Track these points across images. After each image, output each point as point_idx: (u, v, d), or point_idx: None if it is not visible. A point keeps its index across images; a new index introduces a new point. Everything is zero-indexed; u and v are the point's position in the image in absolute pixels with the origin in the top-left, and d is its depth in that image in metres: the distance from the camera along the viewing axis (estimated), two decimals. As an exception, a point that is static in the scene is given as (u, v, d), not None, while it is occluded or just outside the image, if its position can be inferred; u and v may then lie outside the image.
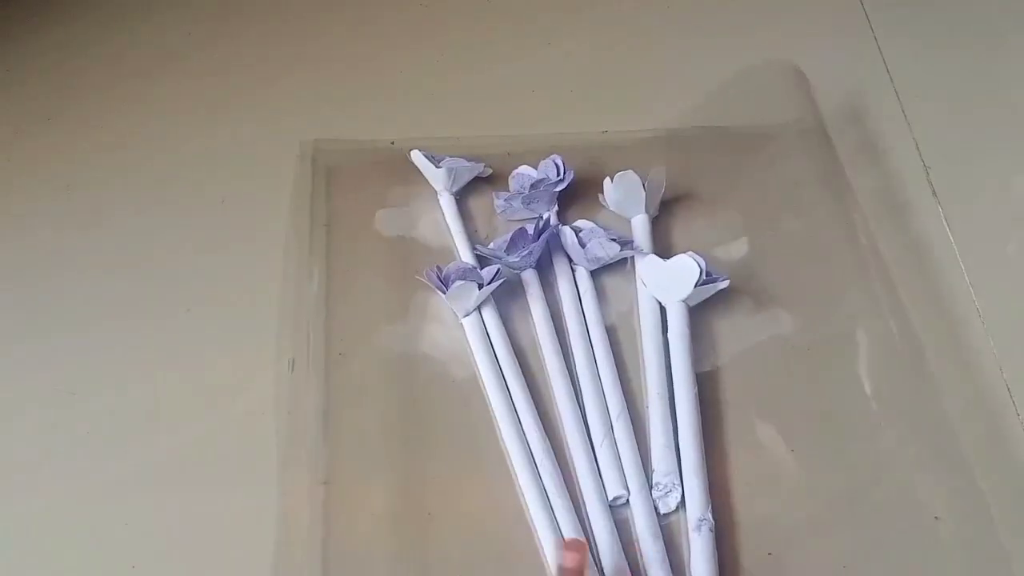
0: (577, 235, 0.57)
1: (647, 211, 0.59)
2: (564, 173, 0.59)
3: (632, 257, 0.57)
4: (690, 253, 0.54)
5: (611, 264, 0.57)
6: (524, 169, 0.61)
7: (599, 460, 0.50)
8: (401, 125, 0.64)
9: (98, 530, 0.49)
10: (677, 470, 0.49)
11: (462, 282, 0.53)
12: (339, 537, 0.47)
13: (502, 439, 0.50)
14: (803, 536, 0.47)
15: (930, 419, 0.51)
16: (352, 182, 0.61)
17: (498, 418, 0.51)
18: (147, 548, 0.48)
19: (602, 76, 0.69)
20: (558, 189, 0.59)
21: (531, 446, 0.50)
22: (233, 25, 0.73)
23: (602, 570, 0.46)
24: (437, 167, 0.59)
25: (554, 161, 0.60)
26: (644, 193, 0.58)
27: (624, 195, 0.59)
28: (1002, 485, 0.49)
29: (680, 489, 0.48)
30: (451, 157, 0.60)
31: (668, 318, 0.54)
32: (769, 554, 0.47)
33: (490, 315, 0.54)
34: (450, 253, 0.58)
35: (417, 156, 0.60)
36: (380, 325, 0.55)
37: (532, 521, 0.47)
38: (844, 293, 0.56)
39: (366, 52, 0.71)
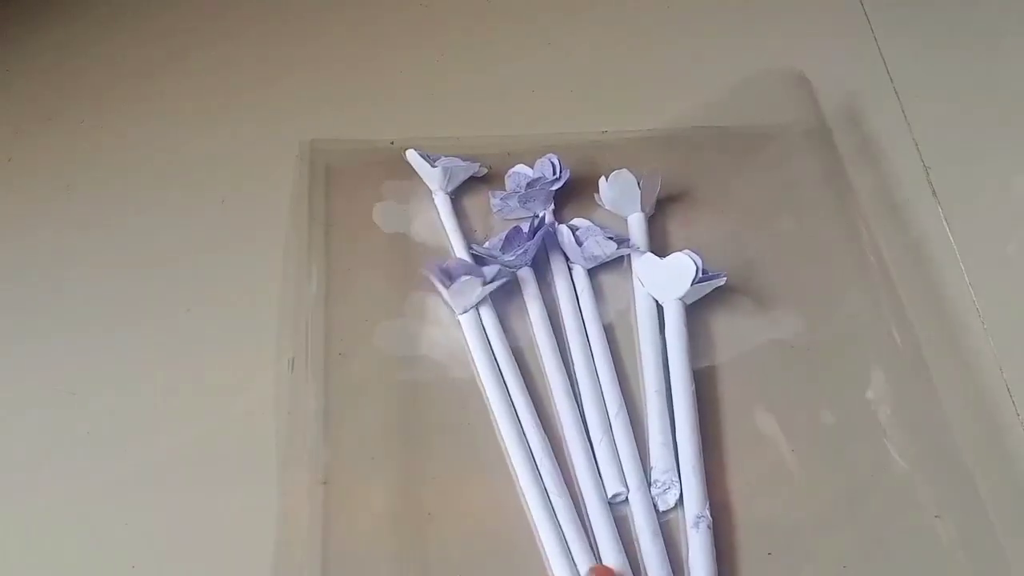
0: (574, 233, 0.57)
1: (643, 210, 0.59)
2: (560, 172, 0.60)
3: (629, 255, 0.57)
4: (686, 251, 0.54)
5: (608, 263, 0.57)
6: (520, 168, 0.61)
7: (598, 458, 0.50)
8: (401, 125, 0.64)
9: (98, 530, 0.49)
10: (675, 467, 0.49)
11: (467, 277, 0.53)
12: (339, 537, 0.47)
13: (501, 438, 0.50)
14: (803, 536, 0.47)
15: (930, 419, 0.51)
16: (352, 182, 0.61)
17: (497, 417, 0.51)
18: (147, 548, 0.48)
19: (602, 76, 0.69)
20: (554, 188, 0.59)
21: (530, 444, 0.50)
22: (233, 25, 0.73)
23: None
24: (432, 166, 0.59)
25: (550, 160, 0.60)
26: (639, 192, 0.58)
27: (619, 194, 0.59)
28: (1002, 485, 0.49)
29: (679, 486, 0.48)
30: (447, 156, 0.60)
31: (665, 316, 0.54)
32: (769, 554, 0.47)
33: (487, 313, 0.54)
34: (447, 252, 0.58)
35: (412, 155, 0.60)
36: (380, 324, 0.55)
37: (532, 520, 0.47)
38: (844, 293, 0.56)
39: (366, 52, 0.71)
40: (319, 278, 0.56)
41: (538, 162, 0.60)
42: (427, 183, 0.60)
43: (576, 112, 0.66)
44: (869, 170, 0.62)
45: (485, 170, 0.61)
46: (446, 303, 0.55)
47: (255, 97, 0.67)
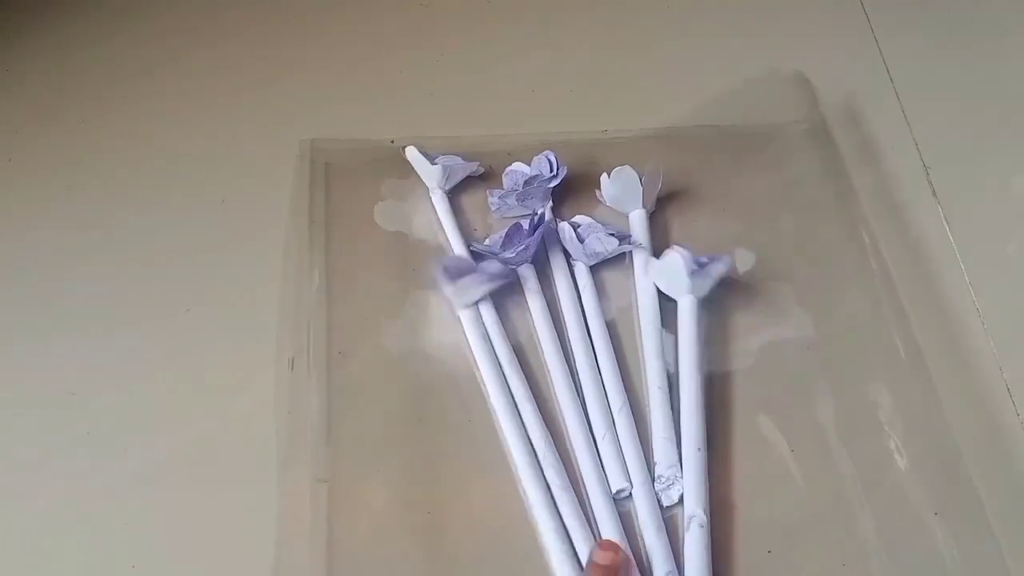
0: (575, 230, 0.57)
1: (644, 206, 0.59)
2: (557, 169, 0.60)
3: (631, 252, 0.57)
4: (674, 247, 0.54)
5: (610, 259, 0.57)
6: (517, 166, 0.61)
7: (601, 454, 0.50)
8: (401, 124, 0.64)
9: (98, 530, 0.49)
10: (679, 463, 0.49)
11: (469, 276, 0.53)
12: (339, 536, 0.47)
13: (503, 436, 0.50)
14: (803, 534, 0.47)
15: (930, 418, 0.51)
16: (352, 181, 0.61)
17: (499, 414, 0.51)
18: (147, 548, 0.48)
19: (602, 76, 0.69)
20: (551, 185, 0.59)
21: (532, 441, 0.50)
22: (233, 25, 0.73)
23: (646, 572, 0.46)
24: (432, 164, 0.59)
25: (547, 157, 0.60)
26: (641, 188, 0.58)
27: (621, 191, 0.59)
28: (1001, 485, 0.49)
29: (682, 482, 0.48)
30: (445, 155, 0.60)
31: (678, 312, 0.54)
32: (769, 552, 0.47)
33: (486, 310, 0.55)
34: (445, 250, 0.58)
35: (412, 152, 0.60)
36: (380, 323, 0.55)
37: (534, 516, 0.47)
38: (844, 293, 0.56)
39: (366, 52, 0.71)
40: (319, 277, 0.56)
41: (535, 159, 0.60)
42: (425, 181, 0.60)
43: (576, 112, 0.66)
44: (869, 170, 0.62)
45: (482, 169, 0.61)
46: (447, 300, 0.55)
47: (255, 97, 0.67)
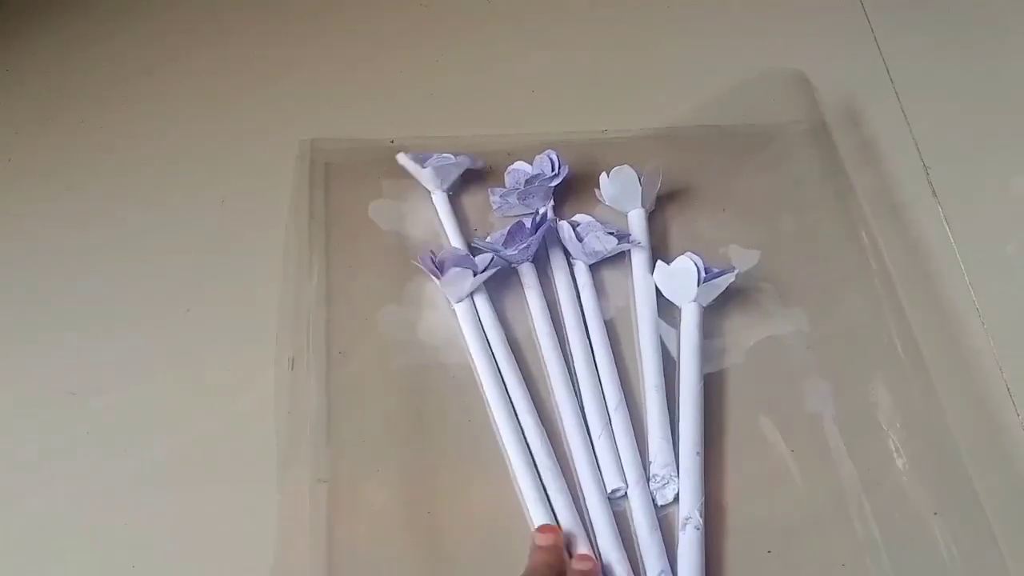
0: (574, 229, 0.57)
1: (643, 206, 0.59)
2: (559, 168, 0.60)
3: (630, 251, 0.57)
4: (687, 253, 0.54)
5: (609, 258, 0.57)
6: (519, 165, 0.61)
7: (597, 452, 0.50)
8: (401, 124, 0.64)
9: (98, 530, 0.49)
10: (674, 462, 0.49)
11: (458, 269, 0.53)
12: (339, 536, 0.47)
13: (501, 436, 0.50)
14: (802, 534, 0.47)
15: (929, 418, 0.51)
16: (352, 181, 0.61)
17: (495, 412, 0.51)
18: (147, 548, 0.48)
19: (602, 76, 0.69)
20: (553, 184, 0.59)
21: (528, 440, 0.50)
22: (233, 25, 0.73)
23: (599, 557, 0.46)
24: (423, 168, 0.59)
25: (549, 156, 0.60)
26: (640, 188, 0.58)
27: (620, 190, 0.59)
28: (1001, 485, 0.49)
29: (677, 481, 0.48)
30: (438, 155, 0.60)
31: (681, 318, 0.54)
32: (769, 552, 0.47)
33: (483, 304, 0.55)
34: (445, 239, 0.58)
35: (403, 159, 0.60)
36: (380, 323, 0.55)
37: (531, 516, 0.48)
38: (844, 293, 0.56)
39: (366, 52, 0.71)
40: (319, 277, 0.56)
41: (537, 158, 0.60)
42: (424, 184, 0.60)
43: (576, 112, 0.66)
44: (869, 170, 0.62)
45: (481, 162, 0.61)
46: (441, 291, 0.55)
47: (255, 97, 0.67)
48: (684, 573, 0.45)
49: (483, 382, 0.52)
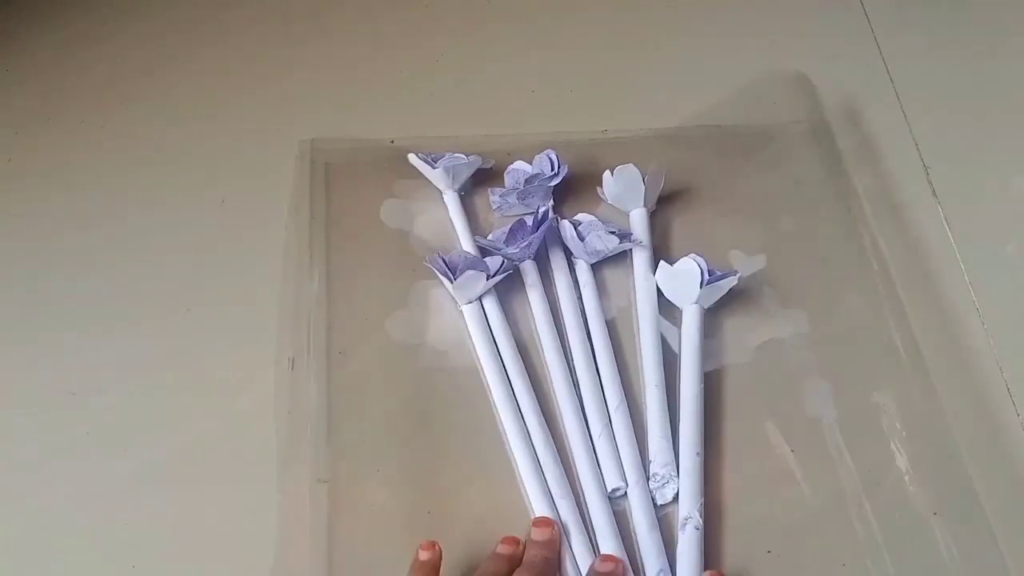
0: (576, 228, 0.57)
1: (645, 205, 0.59)
2: (558, 167, 0.60)
3: (631, 250, 0.57)
4: (691, 255, 0.54)
5: (611, 257, 0.57)
6: (519, 164, 0.61)
7: (597, 452, 0.50)
8: (401, 124, 0.64)
9: (98, 530, 0.49)
10: (674, 461, 0.49)
11: (472, 271, 0.53)
12: (339, 536, 0.47)
13: (504, 434, 0.50)
14: (802, 534, 0.47)
15: (929, 418, 0.51)
16: (352, 181, 0.61)
17: (499, 412, 0.51)
18: (147, 548, 0.48)
19: (602, 76, 0.69)
20: (552, 183, 0.59)
21: (532, 440, 0.50)
22: (233, 25, 0.73)
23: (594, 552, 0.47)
24: (434, 168, 0.59)
25: (548, 156, 0.60)
26: (643, 187, 0.58)
27: (623, 189, 0.59)
28: (1001, 485, 0.49)
29: (677, 480, 0.48)
30: (450, 155, 0.60)
31: (682, 321, 0.54)
32: (769, 552, 0.47)
33: (491, 305, 0.55)
34: (453, 248, 0.58)
35: (414, 159, 0.60)
36: (381, 322, 0.55)
37: (533, 515, 0.48)
38: (844, 293, 0.56)
39: (366, 52, 0.71)
40: (319, 276, 0.56)
41: (536, 158, 0.60)
42: (435, 184, 0.60)
43: (576, 112, 0.66)
44: (869, 170, 0.62)
45: (492, 162, 0.61)
46: (450, 294, 0.55)
47: (255, 97, 0.67)
48: (683, 573, 0.45)
49: (489, 383, 0.52)
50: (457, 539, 0.47)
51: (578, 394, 0.52)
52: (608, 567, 0.45)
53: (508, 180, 0.61)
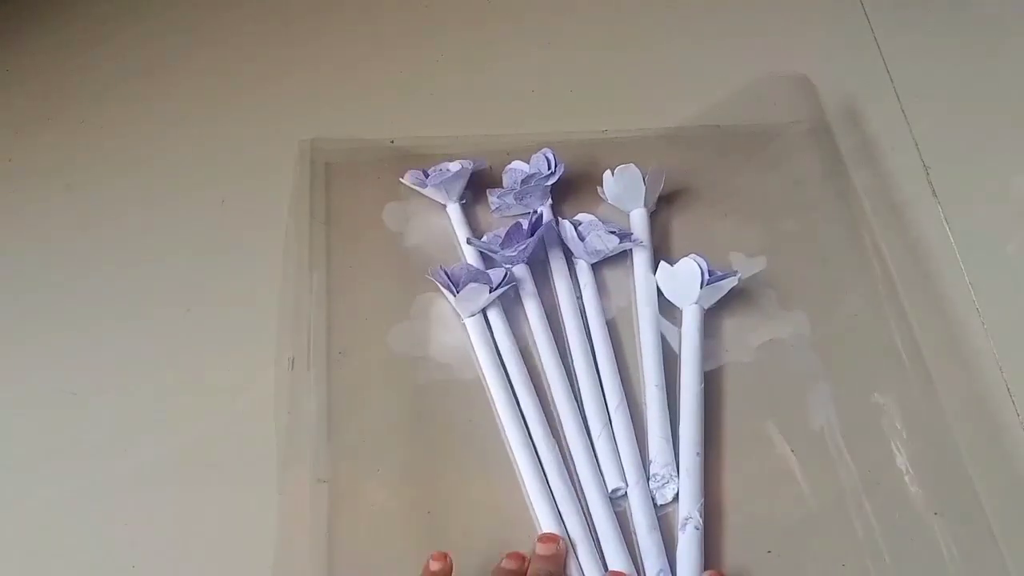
0: (576, 228, 0.57)
1: (645, 205, 0.59)
2: (555, 166, 0.59)
3: (632, 250, 0.57)
4: (692, 255, 0.54)
5: (611, 257, 0.57)
6: (516, 164, 0.61)
7: (597, 452, 0.50)
8: (401, 124, 0.64)
9: (98, 530, 0.49)
10: (674, 461, 0.49)
11: (475, 284, 0.53)
12: (339, 536, 0.47)
13: (504, 435, 0.50)
14: (802, 534, 0.47)
15: (930, 418, 0.51)
16: (352, 181, 0.61)
17: (501, 416, 0.51)
18: (147, 548, 0.48)
19: (602, 76, 0.69)
20: (549, 183, 0.59)
21: (533, 441, 0.50)
22: (233, 25, 0.73)
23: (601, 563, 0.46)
24: (426, 186, 0.59)
25: (545, 155, 0.60)
26: (643, 187, 0.58)
27: (624, 188, 0.59)
28: (1001, 485, 0.49)
29: (677, 480, 0.48)
30: (436, 170, 0.59)
31: (683, 321, 0.54)
32: (769, 551, 0.47)
33: (495, 315, 0.54)
34: (452, 249, 0.58)
35: (408, 179, 0.60)
36: (381, 323, 0.55)
37: (535, 516, 0.48)
38: (844, 293, 0.56)
39: (366, 52, 0.71)
40: (319, 276, 0.56)
41: (533, 157, 0.60)
42: (435, 200, 0.60)
43: (576, 112, 0.66)
44: (869, 170, 0.62)
45: (482, 162, 0.60)
46: (452, 307, 0.55)
47: (255, 97, 0.67)
48: (683, 573, 0.45)
49: (489, 385, 0.52)
50: (457, 539, 0.47)
51: (578, 394, 0.52)
52: (550, 549, 0.45)
53: (506, 180, 0.61)
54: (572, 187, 0.61)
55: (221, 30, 0.72)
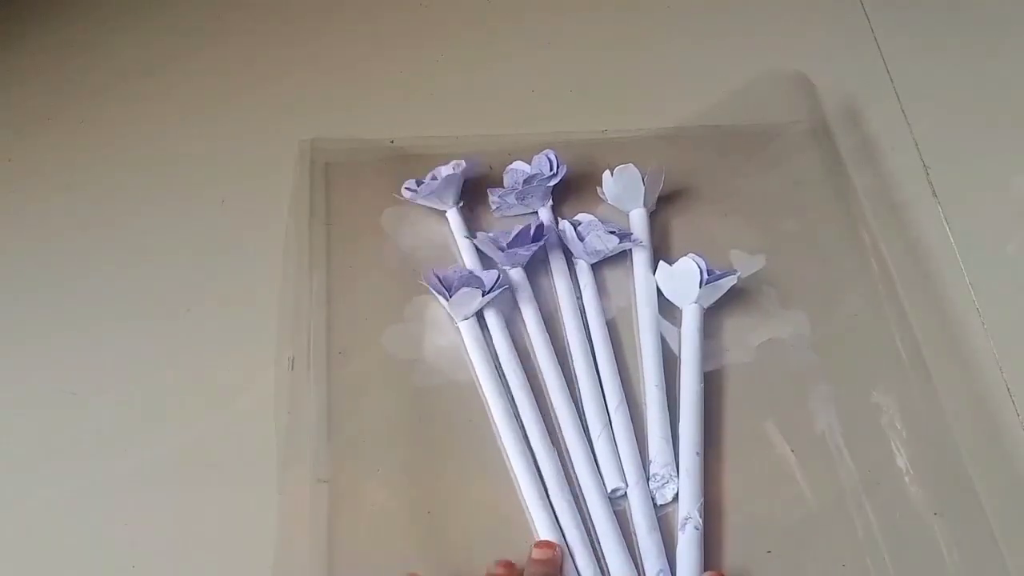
0: (576, 228, 0.57)
1: (645, 205, 0.59)
2: (557, 168, 0.59)
3: (631, 250, 0.57)
4: (690, 255, 0.54)
5: (611, 257, 0.57)
6: (518, 164, 0.61)
7: (597, 453, 0.50)
8: (401, 124, 0.64)
9: (98, 530, 0.49)
10: (674, 461, 0.49)
11: (467, 289, 0.53)
12: (339, 536, 0.47)
13: (501, 436, 0.50)
14: (802, 534, 0.47)
15: (929, 418, 0.51)
16: (352, 181, 0.61)
17: (497, 419, 0.51)
18: (147, 548, 0.48)
19: (602, 76, 0.69)
20: (551, 184, 0.59)
21: (530, 442, 0.50)
22: (233, 25, 0.73)
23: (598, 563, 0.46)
24: (419, 195, 0.58)
25: (547, 156, 0.60)
26: (643, 187, 0.58)
27: (623, 189, 0.59)
28: (1001, 485, 0.49)
29: (677, 480, 0.48)
30: (428, 179, 0.59)
31: (682, 320, 0.54)
32: (768, 552, 0.47)
33: (492, 317, 0.54)
34: (450, 253, 0.58)
35: (404, 193, 0.59)
36: (380, 323, 0.55)
37: (531, 517, 0.48)
38: (844, 293, 0.56)
39: (366, 52, 0.71)
40: (319, 277, 0.56)
41: (535, 158, 0.60)
42: (435, 208, 0.60)
43: (576, 112, 0.66)
44: (869, 170, 0.62)
45: (476, 163, 0.60)
46: (446, 310, 0.55)
47: (255, 97, 0.67)
48: (683, 573, 0.45)
49: (485, 392, 0.52)
50: (457, 540, 0.47)
51: (578, 395, 0.52)
52: (545, 554, 0.45)
53: (507, 180, 0.61)
54: (572, 187, 0.61)
55: (221, 30, 0.72)
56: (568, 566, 0.46)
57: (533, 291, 0.56)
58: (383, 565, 0.46)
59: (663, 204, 0.60)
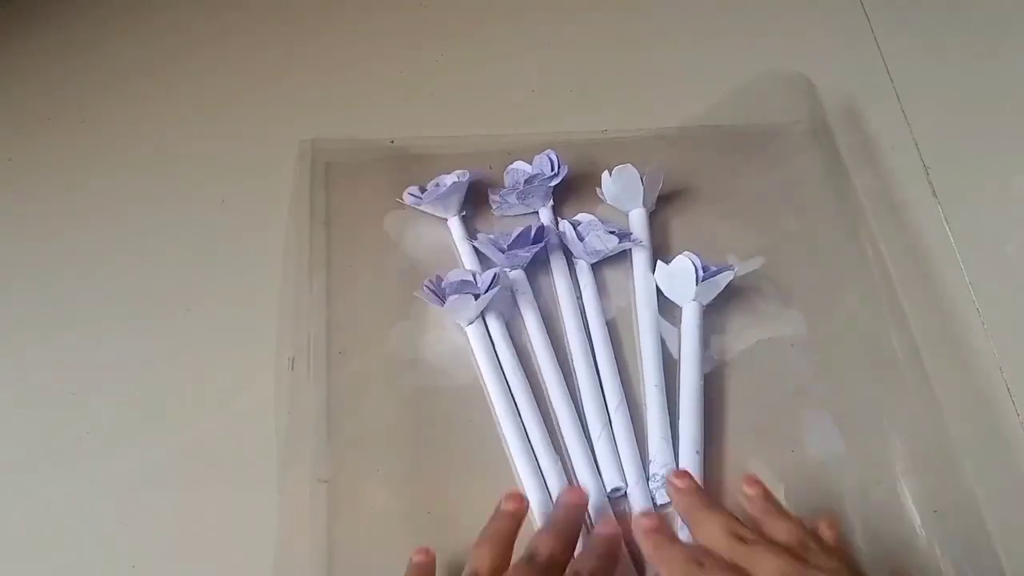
0: (575, 228, 0.57)
1: (644, 205, 0.59)
2: (558, 168, 0.60)
3: (631, 250, 0.57)
4: (684, 253, 0.54)
5: (610, 257, 0.57)
6: (519, 164, 0.61)
7: (597, 453, 0.50)
8: (401, 124, 0.64)
9: (98, 530, 0.49)
10: (674, 461, 0.49)
11: (458, 296, 0.52)
12: (339, 536, 0.47)
13: (502, 436, 0.50)
14: (803, 536, 0.47)
15: (929, 418, 0.51)
16: (352, 181, 0.61)
17: (499, 418, 0.51)
18: (147, 548, 0.48)
19: (602, 76, 0.69)
20: (552, 184, 0.59)
21: (532, 443, 0.50)
22: (233, 25, 0.73)
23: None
24: (422, 203, 0.58)
25: (548, 156, 0.60)
26: (642, 187, 0.58)
27: (622, 189, 0.59)
28: (1001, 484, 0.49)
29: None
30: (432, 186, 0.59)
31: (682, 318, 0.54)
32: (769, 554, 0.47)
33: (492, 318, 0.54)
34: (451, 252, 0.58)
35: (406, 199, 0.59)
36: (381, 323, 0.55)
37: (533, 517, 0.48)
38: (844, 292, 0.56)
39: (366, 52, 0.71)
40: (319, 276, 0.56)
41: (536, 158, 0.60)
42: (436, 215, 0.60)
43: (576, 112, 0.66)
44: (869, 170, 0.62)
45: (481, 173, 0.60)
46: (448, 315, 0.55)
47: (255, 97, 0.67)
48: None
49: (488, 388, 0.52)
50: (457, 539, 0.47)
51: (578, 395, 0.52)
52: (512, 504, 0.45)
53: (508, 180, 0.61)
54: (572, 187, 0.61)
55: (221, 30, 0.72)
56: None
57: (533, 291, 0.56)
58: (383, 565, 0.46)
59: (663, 204, 0.60)
